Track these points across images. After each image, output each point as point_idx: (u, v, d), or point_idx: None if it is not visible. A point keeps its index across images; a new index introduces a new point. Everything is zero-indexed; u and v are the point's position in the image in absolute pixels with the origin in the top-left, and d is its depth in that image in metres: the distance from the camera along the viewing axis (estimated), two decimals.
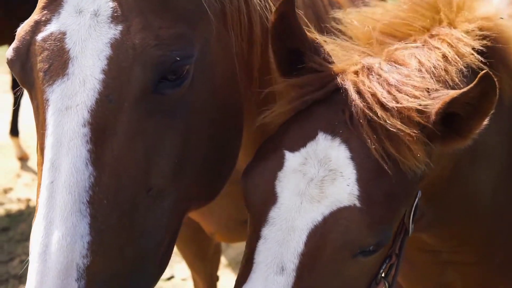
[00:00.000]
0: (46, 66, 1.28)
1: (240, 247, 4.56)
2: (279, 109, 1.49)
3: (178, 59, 1.27)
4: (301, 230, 1.34)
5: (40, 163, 1.28)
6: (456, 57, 1.58)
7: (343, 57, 1.58)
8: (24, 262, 1.33)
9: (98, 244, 1.20)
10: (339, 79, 1.45)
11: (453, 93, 1.41)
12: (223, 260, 4.17)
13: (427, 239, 1.88)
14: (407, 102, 1.40)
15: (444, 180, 1.65)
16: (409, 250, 1.64)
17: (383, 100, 1.39)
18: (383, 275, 1.49)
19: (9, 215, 4.93)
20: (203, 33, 1.39)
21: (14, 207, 5.10)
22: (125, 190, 1.25)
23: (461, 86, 1.52)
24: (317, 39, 1.54)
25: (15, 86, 4.50)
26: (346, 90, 1.43)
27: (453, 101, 1.38)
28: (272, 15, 1.47)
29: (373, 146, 1.36)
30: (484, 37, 1.65)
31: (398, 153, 1.37)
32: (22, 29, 1.35)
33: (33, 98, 1.34)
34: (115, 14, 1.27)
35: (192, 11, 1.36)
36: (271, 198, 1.39)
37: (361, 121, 1.38)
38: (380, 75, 1.46)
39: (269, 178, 1.41)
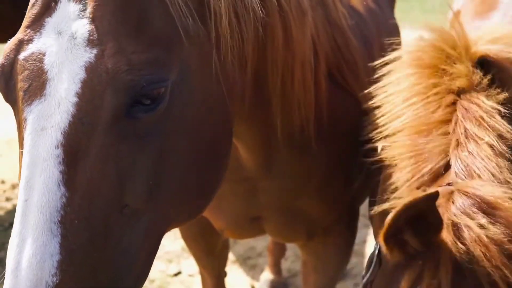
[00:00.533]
0: (26, 86, 1.30)
1: (248, 243, 4.57)
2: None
3: (149, 84, 1.28)
4: None
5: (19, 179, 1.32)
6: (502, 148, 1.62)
7: None
8: None
9: (68, 263, 1.22)
10: None
11: None
12: (230, 256, 4.17)
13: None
14: None
15: None
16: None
17: None
18: None
19: None
20: (182, 56, 1.38)
21: None
22: (97, 211, 1.27)
23: None
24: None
25: None
26: None
27: None
28: (401, 209, 1.46)
29: None
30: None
31: None
32: (8, 47, 1.38)
33: (15, 115, 1.37)
34: (91, 38, 1.28)
35: (169, 34, 1.36)
36: None
37: None
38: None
39: None
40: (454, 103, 1.69)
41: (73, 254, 1.23)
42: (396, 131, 1.80)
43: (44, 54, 1.30)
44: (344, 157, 2.30)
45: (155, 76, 1.29)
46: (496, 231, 1.42)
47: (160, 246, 1.49)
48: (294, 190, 2.26)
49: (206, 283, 3.16)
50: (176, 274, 4.27)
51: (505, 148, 1.59)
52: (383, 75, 1.96)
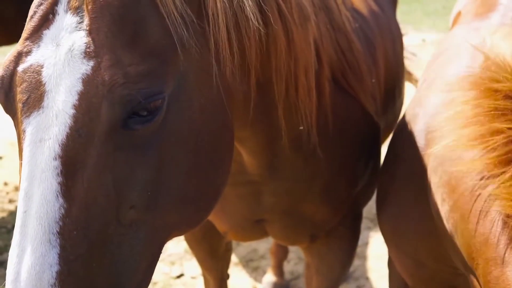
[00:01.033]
0: (25, 98, 1.31)
1: (250, 245, 4.57)
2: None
3: (146, 97, 1.29)
4: None
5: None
6: None
7: None
8: None
9: (67, 273, 1.23)
10: None
11: None
12: (233, 258, 4.17)
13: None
14: None
15: None
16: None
17: None
18: None
19: None
20: (179, 67, 1.39)
21: None
22: (95, 221, 1.28)
23: None
24: None
25: None
26: None
27: None
28: None
29: None
30: None
31: None
32: (7, 59, 1.39)
33: (15, 126, 1.38)
34: (88, 50, 1.28)
35: (166, 46, 1.36)
36: None
37: None
38: None
39: None
40: None
41: (72, 264, 1.24)
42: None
43: (42, 66, 1.31)
44: (347, 159, 2.30)
45: (151, 89, 1.30)
46: None
47: (163, 248, 1.50)
48: (297, 193, 2.26)
49: (209, 285, 3.16)
50: (179, 276, 4.27)
51: None
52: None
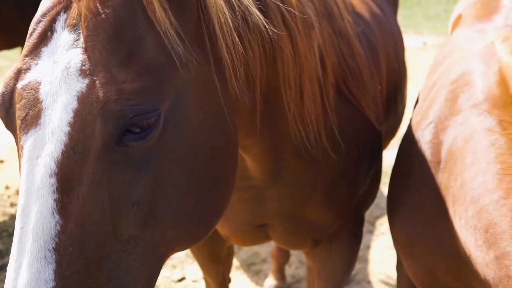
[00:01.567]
0: (23, 115, 1.32)
1: (251, 249, 4.57)
2: None
3: (139, 114, 1.29)
4: None
5: None
6: None
7: None
8: None
9: None
10: None
11: None
12: (234, 262, 4.17)
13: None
14: None
15: None
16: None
17: None
18: None
19: None
20: (176, 83, 1.39)
21: None
22: (91, 238, 1.28)
23: None
24: None
25: None
26: None
27: None
28: None
29: None
30: None
31: None
32: (8, 75, 1.40)
33: (16, 142, 1.39)
34: (83, 68, 1.29)
35: (161, 63, 1.36)
36: None
37: None
38: None
39: None
40: None
41: (68, 280, 1.24)
42: None
43: (40, 84, 1.31)
44: (350, 164, 2.30)
45: (145, 106, 1.29)
46: None
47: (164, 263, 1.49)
48: (300, 198, 2.26)
49: None
50: (180, 280, 4.27)
51: None
52: None
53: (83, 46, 1.30)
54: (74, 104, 1.27)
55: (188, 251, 4.15)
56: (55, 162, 1.26)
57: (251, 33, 1.57)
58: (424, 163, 2.08)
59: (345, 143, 2.20)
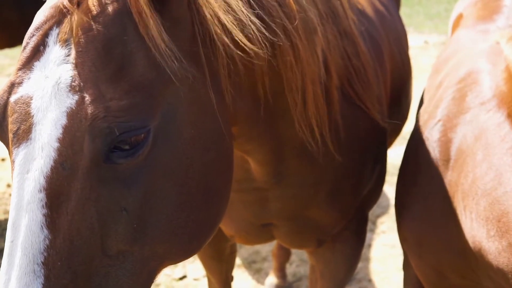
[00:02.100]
0: (15, 128, 1.33)
1: (252, 248, 4.57)
2: None
3: (126, 131, 1.29)
4: None
5: None
6: None
7: None
8: None
9: None
10: None
11: None
12: (236, 260, 4.17)
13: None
14: None
15: None
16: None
17: None
18: None
19: None
20: (167, 100, 1.38)
21: None
22: (79, 252, 1.29)
23: None
24: None
25: None
26: None
27: None
28: None
29: None
30: None
31: None
32: (2, 89, 1.40)
33: (9, 155, 1.39)
34: (73, 84, 1.29)
35: (152, 79, 1.35)
36: None
37: None
38: None
39: None
40: None
41: None
42: None
43: (31, 98, 1.31)
44: (354, 164, 2.30)
45: (133, 123, 1.29)
46: None
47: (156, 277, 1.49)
48: (304, 198, 2.26)
49: (213, 287, 3.16)
50: (181, 278, 4.27)
51: None
52: None
53: (74, 62, 1.30)
54: (63, 120, 1.28)
55: None
56: (44, 178, 1.27)
57: (249, 43, 1.55)
58: (433, 162, 2.08)
59: (350, 144, 2.20)
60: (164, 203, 1.39)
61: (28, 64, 1.36)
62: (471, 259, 1.90)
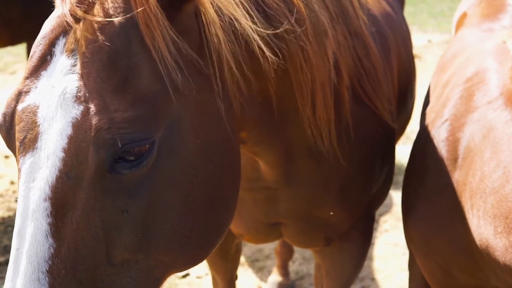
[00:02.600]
0: (22, 137, 1.34)
1: (255, 246, 4.57)
2: None
3: (130, 142, 1.29)
4: None
5: None
6: None
7: None
8: None
9: None
10: None
11: None
12: None
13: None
14: None
15: None
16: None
17: None
18: None
19: None
20: (173, 111, 1.38)
21: None
22: (84, 261, 1.30)
23: None
24: None
25: None
26: None
27: None
28: None
29: None
30: None
31: None
32: (10, 97, 1.41)
33: (17, 162, 1.41)
34: (79, 94, 1.30)
35: (157, 91, 1.35)
36: None
37: None
38: None
39: None
40: None
41: None
42: None
43: (38, 107, 1.33)
44: (364, 164, 2.30)
45: (137, 134, 1.30)
46: None
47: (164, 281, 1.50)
48: (314, 198, 2.26)
49: (218, 286, 3.16)
50: (184, 276, 4.28)
51: None
52: None
53: (79, 72, 1.31)
54: (69, 130, 1.28)
55: None
56: (49, 187, 1.28)
57: (255, 54, 1.56)
58: (440, 161, 2.09)
59: (360, 145, 2.20)
60: (169, 213, 1.39)
61: (35, 73, 1.36)
62: (477, 257, 1.90)
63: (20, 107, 1.36)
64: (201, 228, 1.48)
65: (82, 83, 1.30)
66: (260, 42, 1.54)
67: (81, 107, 1.29)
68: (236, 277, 3.18)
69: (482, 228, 1.82)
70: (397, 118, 2.68)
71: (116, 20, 1.33)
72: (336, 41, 1.98)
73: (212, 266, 3.04)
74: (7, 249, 4.55)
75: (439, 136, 2.13)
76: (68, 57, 1.33)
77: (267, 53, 1.56)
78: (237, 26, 1.49)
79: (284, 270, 4.15)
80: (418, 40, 8.98)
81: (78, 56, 1.32)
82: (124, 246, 1.34)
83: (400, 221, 3.88)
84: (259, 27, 1.53)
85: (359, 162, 2.25)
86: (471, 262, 1.96)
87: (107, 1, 1.34)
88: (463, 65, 2.29)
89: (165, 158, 1.36)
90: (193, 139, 1.43)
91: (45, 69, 1.35)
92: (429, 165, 2.18)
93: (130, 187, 1.33)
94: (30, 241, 1.26)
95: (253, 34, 1.52)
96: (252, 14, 1.54)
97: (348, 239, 2.56)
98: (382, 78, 2.29)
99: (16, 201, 4.85)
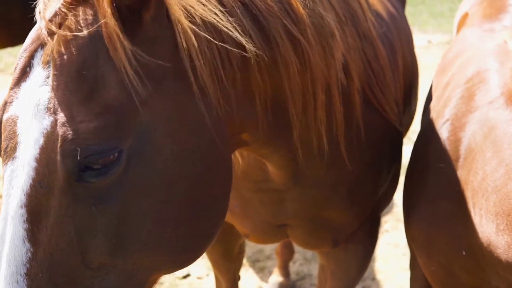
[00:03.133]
0: (5, 146, 1.39)
1: (256, 246, 4.58)
2: None
3: (94, 153, 1.32)
4: None
5: None
6: None
7: None
8: None
9: None
10: None
11: None
12: None
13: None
14: None
15: None
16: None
17: None
18: None
19: None
20: (143, 119, 1.38)
21: None
22: (60, 265, 1.34)
23: None
24: None
25: None
26: None
27: None
28: None
29: None
30: None
31: None
32: None
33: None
34: (49, 106, 1.33)
35: (124, 101, 1.36)
36: None
37: None
38: None
39: None
40: None
41: None
42: None
43: (17, 118, 1.37)
44: (371, 166, 2.31)
45: (101, 145, 1.32)
46: None
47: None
48: (321, 199, 2.27)
49: (221, 286, 3.16)
50: (185, 277, 4.28)
51: None
52: None
53: (51, 84, 1.34)
54: (41, 141, 1.33)
55: None
56: (24, 195, 1.33)
57: (234, 57, 1.54)
58: (441, 161, 2.09)
59: (368, 147, 2.20)
60: (144, 219, 1.41)
61: (17, 84, 1.41)
62: (479, 257, 1.91)
63: (4, 117, 1.41)
64: (186, 232, 1.49)
65: (52, 95, 1.33)
66: (241, 39, 1.52)
67: (51, 118, 1.32)
68: (239, 278, 3.18)
69: (484, 226, 1.83)
70: (403, 118, 2.68)
71: (85, 32, 1.35)
72: (345, 43, 1.96)
73: (216, 266, 3.04)
74: None
75: (440, 136, 2.14)
76: (44, 69, 1.36)
77: (248, 48, 1.54)
78: (212, 28, 1.48)
79: (284, 271, 4.15)
80: (418, 41, 8.98)
81: (51, 68, 1.35)
82: (99, 251, 1.37)
83: (400, 222, 3.88)
84: (238, 29, 1.51)
85: (367, 165, 2.26)
86: (472, 261, 1.96)
87: (79, 14, 1.36)
88: (464, 65, 2.29)
89: (136, 166, 1.38)
90: (169, 145, 1.43)
91: (25, 81, 1.39)
92: (430, 165, 2.18)
93: (100, 194, 1.36)
94: (9, 245, 1.32)
95: (234, 33, 1.51)
96: (232, 14, 1.52)
97: (353, 240, 2.56)
98: (390, 81, 2.29)
99: None
